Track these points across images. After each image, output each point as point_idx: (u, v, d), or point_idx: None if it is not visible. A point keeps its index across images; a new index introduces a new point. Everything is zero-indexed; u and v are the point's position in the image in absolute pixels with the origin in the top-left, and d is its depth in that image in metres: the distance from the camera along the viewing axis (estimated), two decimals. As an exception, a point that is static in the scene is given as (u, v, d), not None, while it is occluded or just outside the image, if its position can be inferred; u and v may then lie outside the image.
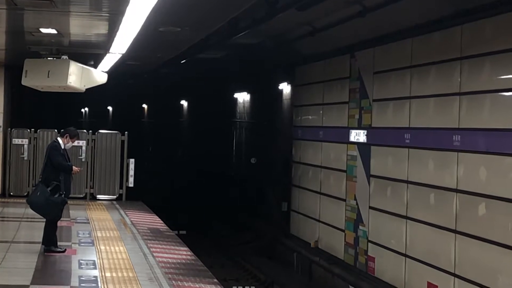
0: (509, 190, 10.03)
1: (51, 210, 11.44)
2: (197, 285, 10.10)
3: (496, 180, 10.40)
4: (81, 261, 11.08)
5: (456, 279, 11.26)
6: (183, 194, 32.09)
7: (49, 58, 14.90)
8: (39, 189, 11.43)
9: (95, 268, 10.65)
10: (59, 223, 12.10)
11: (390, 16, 13.11)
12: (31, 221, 14.69)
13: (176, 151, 38.18)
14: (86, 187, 19.74)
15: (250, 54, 20.53)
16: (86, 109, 60.81)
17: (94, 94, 19.06)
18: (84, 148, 19.46)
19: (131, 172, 19.74)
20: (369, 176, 14.62)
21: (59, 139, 11.96)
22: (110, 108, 56.23)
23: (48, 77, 14.69)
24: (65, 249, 11.86)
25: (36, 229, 13.26)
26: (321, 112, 17.57)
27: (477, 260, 10.78)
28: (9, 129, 19.78)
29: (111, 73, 17.82)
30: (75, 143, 13.12)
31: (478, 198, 10.74)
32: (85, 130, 19.93)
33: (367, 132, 14.76)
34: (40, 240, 11.90)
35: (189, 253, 12.77)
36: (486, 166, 10.63)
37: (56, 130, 19.17)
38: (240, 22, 15.27)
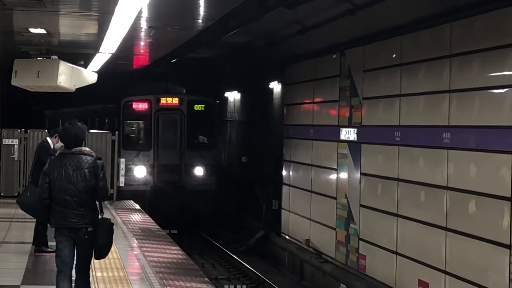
0: (499, 187, 10.05)
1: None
2: (188, 284, 10.10)
3: (486, 177, 10.41)
4: (72, 261, 11.03)
5: (447, 276, 11.28)
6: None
7: (38, 58, 14.86)
8: (29, 190, 11.35)
9: (86, 268, 10.61)
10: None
11: (379, 14, 13.11)
12: (21, 222, 14.64)
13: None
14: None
15: (240, 53, 20.52)
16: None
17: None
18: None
19: (122, 172, 19.71)
20: (359, 174, 14.63)
21: (48, 139, 11.91)
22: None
23: (38, 77, 14.64)
24: (56, 249, 11.82)
25: (27, 229, 13.21)
26: (311, 110, 17.57)
27: (468, 257, 10.79)
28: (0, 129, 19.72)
29: (100, 72, 17.78)
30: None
31: (468, 195, 10.75)
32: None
33: (358, 130, 14.77)
34: (31, 240, 11.86)
35: (180, 252, 12.76)
36: (476, 163, 10.65)
37: (46, 130, 19.10)
38: (230, 20, 15.27)
